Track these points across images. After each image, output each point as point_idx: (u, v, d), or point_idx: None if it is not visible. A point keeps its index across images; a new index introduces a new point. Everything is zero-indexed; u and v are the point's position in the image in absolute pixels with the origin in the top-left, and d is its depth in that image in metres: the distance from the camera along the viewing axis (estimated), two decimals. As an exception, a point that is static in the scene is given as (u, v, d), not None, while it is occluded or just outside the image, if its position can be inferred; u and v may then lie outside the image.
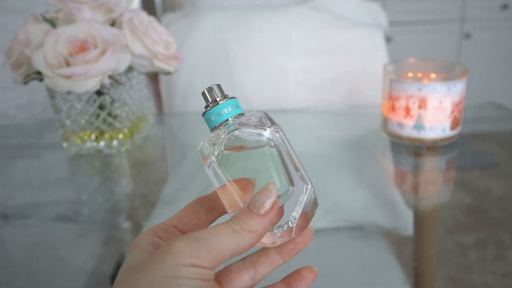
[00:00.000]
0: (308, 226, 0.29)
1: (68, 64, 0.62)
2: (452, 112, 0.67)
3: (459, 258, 0.45)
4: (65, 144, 0.73)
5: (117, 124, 0.71)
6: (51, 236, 0.54)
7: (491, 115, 0.89)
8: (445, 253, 0.46)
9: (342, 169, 0.66)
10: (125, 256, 0.27)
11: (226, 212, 0.30)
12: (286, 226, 0.28)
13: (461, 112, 0.69)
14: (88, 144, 0.73)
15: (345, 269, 0.44)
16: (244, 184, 0.28)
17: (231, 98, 0.29)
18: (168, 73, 0.75)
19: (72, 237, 0.53)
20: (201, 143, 0.29)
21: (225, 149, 0.28)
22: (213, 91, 0.29)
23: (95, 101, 0.69)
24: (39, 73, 0.64)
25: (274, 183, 0.26)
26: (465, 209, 0.54)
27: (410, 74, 0.66)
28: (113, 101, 0.70)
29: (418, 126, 0.67)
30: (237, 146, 0.28)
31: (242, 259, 0.29)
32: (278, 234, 0.28)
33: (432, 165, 0.67)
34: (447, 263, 0.44)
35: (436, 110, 0.66)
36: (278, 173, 0.28)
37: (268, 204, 0.25)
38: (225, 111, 0.29)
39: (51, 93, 0.69)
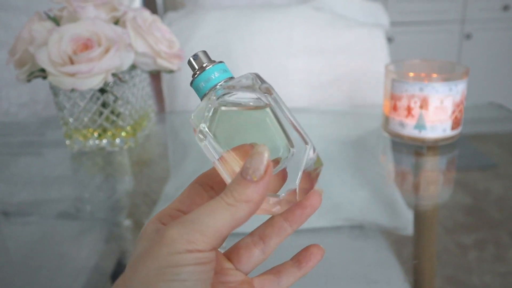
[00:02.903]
0: (317, 188, 0.28)
1: (72, 62, 0.63)
2: (453, 112, 0.67)
3: (458, 258, 0.45)
4: (67, 142, 0.74)
5: (120, 122, 0.72)
6: (52, 233, 0.54)
7: (491, 115, 0.89)
8: (444, 253, 0.46)
9: (343, 168, 0.66)
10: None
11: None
12: (289, 189, 0.26)
13: (462, 112, 0.69)
14: (91, 142, 0.73)
15: (345, 268, 0.44)
16: (244, 151, 0.26)
17: (219, 62, 0.28)
18: (171, 71, 0.75)
19: (73, 235, 0.53)
20: (192, 114, 0.27)
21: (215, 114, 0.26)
22: (199, 58, 0.28)
23: (98, 99, 0.70)
24: (42, 70, 0.65)
25: (265, 145, 0.24)
26: (464, 210, 0.54)
27: (412, 74, 0.67)
28: (116, 99, 0.70)
29: (420, 126, 0.67)
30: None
31: (250, 234, 0.29)
32: (281, 199, 0.26)
33: (433, 165, 0.68)
34: (447, 263, 0.45)
35: (437, 110, 0.66)
36: (277, 135, 0.26)
37: (261, 168, 0.23)
38: (213, 76, 0.27)
39: (55, 90, 0.70)
